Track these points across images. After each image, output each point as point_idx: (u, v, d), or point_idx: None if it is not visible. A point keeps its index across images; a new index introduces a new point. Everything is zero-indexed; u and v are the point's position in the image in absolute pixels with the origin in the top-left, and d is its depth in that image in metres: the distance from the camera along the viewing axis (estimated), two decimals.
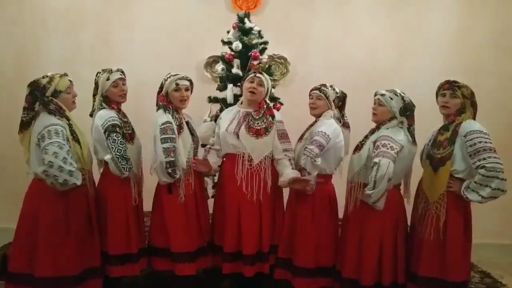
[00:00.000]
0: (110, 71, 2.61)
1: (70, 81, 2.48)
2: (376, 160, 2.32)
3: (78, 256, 2.42)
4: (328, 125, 2.62)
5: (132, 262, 2.61)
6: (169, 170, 2.48)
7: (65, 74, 2.48)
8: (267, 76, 2.79)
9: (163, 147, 2.48)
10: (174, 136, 2.53)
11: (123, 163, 2.46)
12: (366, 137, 2.58)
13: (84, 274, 2.46)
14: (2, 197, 3.97)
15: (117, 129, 2.50)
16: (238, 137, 2.65)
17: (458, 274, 2.37)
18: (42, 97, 2.36)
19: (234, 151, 2.68)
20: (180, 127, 2.61)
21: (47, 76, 2.41)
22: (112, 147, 2.46)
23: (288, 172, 2.60)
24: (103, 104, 2.60)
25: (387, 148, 2.34)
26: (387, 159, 2.30)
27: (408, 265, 2.52)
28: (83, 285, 2.45)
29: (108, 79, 2.59)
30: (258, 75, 2.72)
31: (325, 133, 2.56)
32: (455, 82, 2.46)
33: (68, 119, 2.41)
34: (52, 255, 2.34)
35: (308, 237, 2.63)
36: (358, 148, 2.59)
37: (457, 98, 2.43)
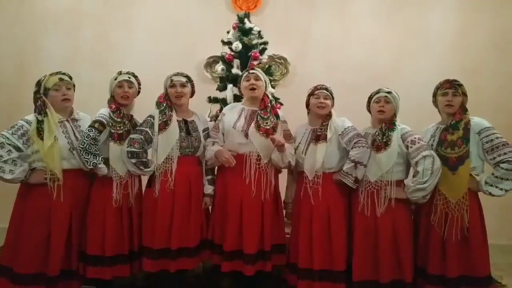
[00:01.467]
0: (120, 73, 2.68)
1: (61, 79, 2.51)
2: (426, 153, 2.41)
3: (32, 257, 2.44)
4: (347, 120, 2.69)
5: (103, 265, 2.56)
6: (133, 161, 2.53)
7: (58, 73, 2.53)
8: (260, 70, 2.82)
9: (130, 137, 2.58)
10: (146, 129, 2.61)
11: (86, 157, 2.48)
12: (385, 134, 2.52)
13: (55, 277, 2.46)
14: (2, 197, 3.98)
15: (96, 125, 2.54)
16: (247, 136, 2.65)
17: (485, 268, 2.44)
18: (35, 95, 2.50)
19: (240, 151, 2.67)
20: (165, 124, 2.62)
21: (46, 75, 2.52)
22: (81, 139, 2.51)
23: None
24: (109, 103, 2.66)
25: (424, 142, 2.49)
26: (433, 151, 2.43)
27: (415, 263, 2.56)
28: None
29: (115, 79, 2.66)
30: (251, 71, 2.75)
31: (353, 126, 2.64)
32: (455, 80, 2.52)
33: (46, 115, 2.46)
34: (13, 252, 2.46)
35: (346, 239, 2.60)
36: (381, 146, 2.51)
37: (459, 96, 2.49)
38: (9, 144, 2.40)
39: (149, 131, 2.61)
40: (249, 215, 2.61)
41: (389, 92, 2.58)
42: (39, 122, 2.44)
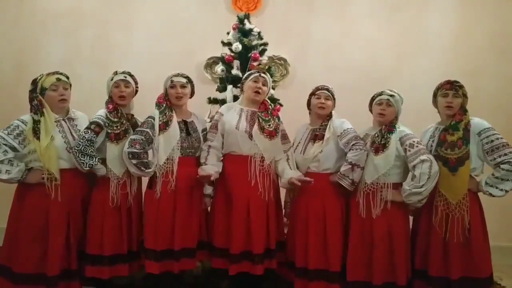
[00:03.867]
0: (116, 73, 2.67)
1: (59, 79, 2.51)
2: (424, 157, 2.39)
3: (30, 257, 2.45)
4: (347, 122, 2.69)
5: (102, 264, 2.57)
6: (133, 162, 2.51)
7: (56, 72, 2.52)
8: (269, 77, 2.82)
9: (130, 138, 2.56)
10: (146, 130, 2.58)
11: (82, 158, 2.48)
12: (384, 137, 2.52)
13: (55, 277, 2.46)
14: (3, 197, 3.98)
15: (92, 126, 2.55)
16: (251, 137, 2.65)
17: (487, 268, 2.45)
18: (32, 94, 2.48)
19: (244, 152, 2.66)
20: (166, 124, 2.62)
21: (42, 74, 2.52)
22: (76, 141, 2.51)
23: (288, 172, 2.64)
24: (106, 103, 2.66)
25: (422, 146, 2.47)
26: (431, 155, 2.41)
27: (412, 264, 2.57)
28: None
29: (112, 80, 2.65)
30: (262, 75, 2.74)
31: (353, 129, 2.64)
32: (456, 82, 2.52)
33: (42, 115, 2.45)
34: (13, 252, 2.47)
35: (341, 239, 2.61)
36: (379, 148, 2.51)
37: (459, 98, 2.49)
38: (5, 145, 2.41)
39: (150, 132, 2.60)
40: (257, 216, 2.61)
41: (391, 96, 2.56)
42: (35, 122, 2.44)
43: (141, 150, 2.54)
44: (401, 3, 4.07)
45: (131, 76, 2.72)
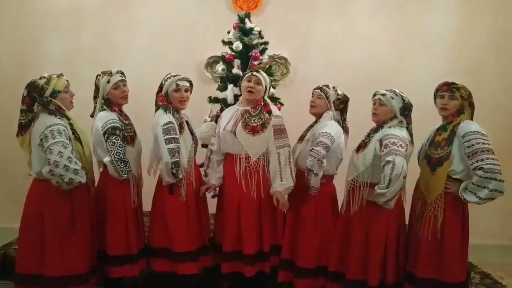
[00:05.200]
0: (110, 74, 2.60)
1: (67, 80, 2.48)
2: (389, 158, 2.30)
3: (85, 254, 2.45)
4: (331, 125, 2.62)
5: (131, 263, 2.61)
6: (174, 171, 2.48)
7: (62, 75, 2.48)
8: (265, 74, 2.77)
9: (168, 148, 2.46)
10: (177, 136, 2.52)
11: (122, 166, 2.47)
12: (369, 135, 2.56)
13: (90, 272, 2.48)
14: (3, 197, 3.98)
15: (117, 132, 2.50)
16: (235, 134, 2.64)
17: (456, 274, 2.37)
18: (41, 98, 2.36)
19: (232, 151, 2.68)
20: (181, 127, 2.61)
21: (44, 77, 2.40)
22: (112, 150, 2.46)
23: (275, 185, 2.62)
24: (104, 106, 2.60)
25: (397, 146, 2.35)
26: (400, 157, 2.30)
27: (405, 264, 2.54)
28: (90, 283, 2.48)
29: (108, 82, 2.58)
30: (255, 73, 2.72)
31: (330, 133, 2.55)
32: (453, 83, 2.46)
33: (68, 118, 2.41)
34: (61, 255, 2.37)
35: (311, 237, 2.64)
36: (361, 147, 2.56)
37: (456, 100, 2.43)
38: (74, 150, 2.32)
39: (179, 138, 2.55)
40: (247, 215, 2.62)
41: (383, 95, 2.52)
42: (71, 125, 2.40)
43: (179, 158, 2.51)
44: (402, 2, 4.07)
45: (123, 73, 2.67)
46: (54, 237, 2.36)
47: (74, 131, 2.40)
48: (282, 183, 2.60)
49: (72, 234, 2.40)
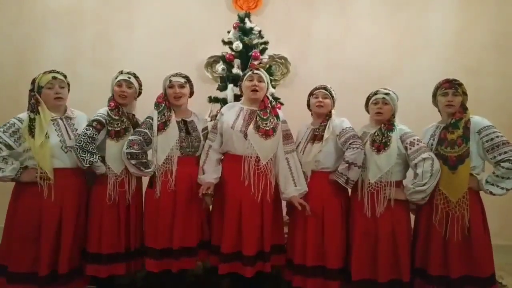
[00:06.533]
0: (121, 72, 2.70)
1: (55, 77, 2.52)
2: (425, 155, 2.41)
3: (25, 256, 2.45)
4: (346, 121, 2.68)
5: (100, 263, 2.58)
6: (132, 162, 2.53)
7: (52, 71, 2.53)
8: (264, 71, 2.79)
9: (129, 138, 2.58)
10: (145, 130, 2.61)
11: (83, 155, 2.49)
12: (384, 135, 2.52)
13: (48, 276, 2.46)
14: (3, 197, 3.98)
15: (94, 124, 2.56)
16: (245, 136, 2.62)
17: (487, 268, 2.43)
18: (30, 92, 2.50)
19: (238, 152, 2.65)
20: (164, 124, 2.63)
21: (41, 73, 2.53)
22: (77, 137, 2.52)
23: (290, 191, 2.61)
24: (108, 101, 2.68)
25: (422, 143, 2.48)
26: (432, 152, 2.43)
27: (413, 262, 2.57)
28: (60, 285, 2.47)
29: (116, 78, 2.68)
30: (255, 71, 2.71)
31: (352, 127, 2.63)
32: (455, 80, 2.52)
33: (38, 113, 2.46)
34: (6, 252, 2.47)
35: (339, 236, 2.61)
36: (381, 147, 2.51)
37: (459, 96, 2.49)
38: (0, 142, 2.41)
39: (148, 132, 2.61)
40: (249, 217, 2.59)
41: (387, 94, 2.57)
42: (31, 120, 2.45)
43: (140, 151, 2.56)
44: (402, 2, 4.07)
45: (136, 77, 2.73)
46: (20, 234, 2.45)
47: (32, 127, 2.43)
48: (297, 188, 2.62)
49: (12, 232, 2.47)
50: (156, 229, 2.61)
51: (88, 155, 2.50)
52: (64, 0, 4.07)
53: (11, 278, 2.44)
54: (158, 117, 2.64)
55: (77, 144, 2.49)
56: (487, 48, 3.98)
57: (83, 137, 2.51)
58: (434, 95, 2.60)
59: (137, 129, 2.64)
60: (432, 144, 2.56)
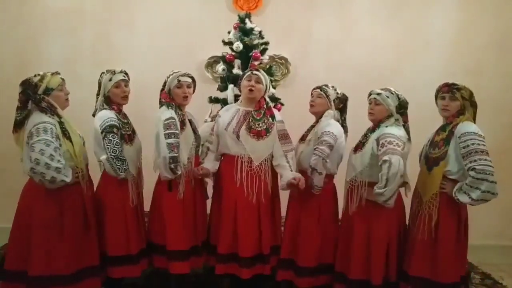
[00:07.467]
0: (114, 72, 2.60)
1: (62, 79, 2.47)
2: (386, 158, 2.31)
3: (72, 256, 2.40)
4: (333, 125, 2.62)
5: (132, 263, 2.60)
6: (172, 166, 2.47)
7: (57, 72, 2.46)
8: (264, 73, 2.77)
9: (167, 142, 2.46)
10: (177, 131, 2.51)
11: (118, 164, 2.46)
12: (366, 135, 2.58)
13: (81, 273, 2.44)
14: (3, 197, 3.97)
15: (114, 130, 2.48)
16: (238, 137, 2.63)
17: (449, 275, 2.37)
18: (34, 95, 2.35)
19: (232, 153, 2.66)
20: (182, 124, 2.61)
21: (38, 75, 2.40)
22: (108, 148, 2.45)
23: (286, 175, 2.60)
24: (104, 104, 2.60)
25: (394, 145, 2.36)
26: (397, 156, 2.31)
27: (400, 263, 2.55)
28: (79, 284, 2.43)
29: (110, 80, 2.58)
30: (255, 72, 2.71)
31: (332, 133, 2.56)
32: (454, 84, 2.46)
33: (59, 116, 2.40)
34: (45, 254, 2.34)
35: (313, 237, 2.65)
36: (359, 147, 2.58)
37: (457, 101, 2.43)
38: (57, 148, 2.27)
39: (179, 133, 2.54)
40: (245, 218, 2.60)
41: (378, 94, 2.53)
42: (61, 123, 2.38)
43: (178, 154, 2.50)
44: (402, 2, 4.07)
45: (127, 74, 2.68)
46: (40, 236, 2.34)
47: (64, 130, 2.38)
48: (292, 173, 2.62)
49: (59, 234, 2.36)
50: (184, 231, 2.60)
51: (122, 163, 2.47)
52: (64, 0, 4.07)
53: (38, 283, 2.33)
54: (177, 117, 2.57)
55: (113, 153, 2.43)
56: (488, 48, 3.98)
57: (116, 146, 2.45)
58: (436, 98, 2.59)
59: (170, 131, 2.49)
60: (427, 145, 2.57)
